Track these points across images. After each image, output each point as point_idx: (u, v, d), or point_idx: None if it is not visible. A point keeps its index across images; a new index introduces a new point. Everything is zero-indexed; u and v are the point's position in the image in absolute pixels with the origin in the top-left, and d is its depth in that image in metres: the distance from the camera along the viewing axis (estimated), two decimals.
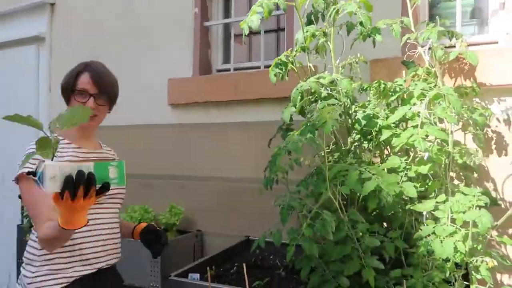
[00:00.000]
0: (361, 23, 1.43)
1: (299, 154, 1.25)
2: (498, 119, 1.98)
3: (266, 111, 2.48)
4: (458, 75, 2.02)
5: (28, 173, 1.02)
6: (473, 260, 1.30)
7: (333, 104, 1.43)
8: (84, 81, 1.43)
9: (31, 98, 3.36)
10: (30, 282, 1.32)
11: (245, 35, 1.61)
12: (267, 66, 2.71)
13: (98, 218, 1.41)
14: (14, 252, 2.87)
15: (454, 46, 2.04)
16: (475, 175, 1.92)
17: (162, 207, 2.52)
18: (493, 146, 1.99)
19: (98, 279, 1.39)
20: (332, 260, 1.41)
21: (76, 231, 1.16)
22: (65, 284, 1.32)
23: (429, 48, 1.67)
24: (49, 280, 1.31)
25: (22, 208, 3.07)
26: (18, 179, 1.35)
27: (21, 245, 2.78)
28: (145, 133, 2.87)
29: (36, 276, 1.32)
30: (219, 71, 2.86)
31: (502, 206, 1.94)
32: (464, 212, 1.26)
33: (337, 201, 1.39)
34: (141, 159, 2.64)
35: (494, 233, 1.81)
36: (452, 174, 1.98)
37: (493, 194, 1.97)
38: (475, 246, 1.31)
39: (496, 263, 1.29)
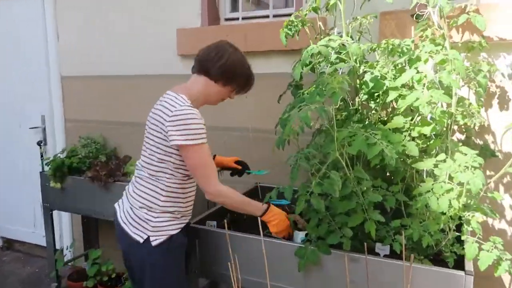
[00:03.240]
0: None
1: (309, 124, 1.32)
2: (503, 74, 2.03)
3: (275, 63, 2.52)
4: (466, 29, 2.02)
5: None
6: (465, 214, 1.43)
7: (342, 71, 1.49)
8: None
9: (40, 47, 3.39)
10: (155, 225, 1.74)
11: None
12: (276, 16, 2.70)
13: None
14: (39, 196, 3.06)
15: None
16: (477, 127, 2.02)
17: None
18: (496, 101, 2.06)
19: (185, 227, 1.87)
20: (338, 213, 1.56)
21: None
22: (179, 228, 1.80)
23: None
24: (170, 224, 1.77)
25: (42, 155, 3.23)
26: (193, 145, 1.62)
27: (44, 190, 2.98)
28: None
29: (159, 221, 1.74)
30: (227, 20, 2.85)
31: (500, 157, 2.06)
32: (460, 172, 1.37)
33: (344, 161, 1.50)
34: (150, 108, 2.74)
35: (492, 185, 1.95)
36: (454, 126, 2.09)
37: (492, 146, 2.08)
38: (468, 202, 1.43)
39: (485, 218, 1.42)
